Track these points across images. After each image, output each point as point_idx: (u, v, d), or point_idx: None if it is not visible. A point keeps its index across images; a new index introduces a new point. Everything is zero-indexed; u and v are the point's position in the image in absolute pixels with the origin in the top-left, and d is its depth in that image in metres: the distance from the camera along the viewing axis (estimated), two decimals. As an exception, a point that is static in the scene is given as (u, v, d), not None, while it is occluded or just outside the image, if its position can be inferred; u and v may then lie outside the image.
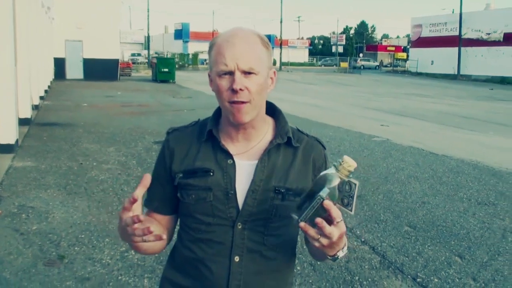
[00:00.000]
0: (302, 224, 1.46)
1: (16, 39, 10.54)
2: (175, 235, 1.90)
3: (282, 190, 1.74)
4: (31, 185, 7.62)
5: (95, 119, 15.21)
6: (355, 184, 1.50)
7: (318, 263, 5.17)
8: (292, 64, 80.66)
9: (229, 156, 1.77)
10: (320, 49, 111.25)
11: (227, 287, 1.76)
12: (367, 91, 33.23)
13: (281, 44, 74.94)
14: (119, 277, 4.69)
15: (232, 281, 1.76)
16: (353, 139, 12.97)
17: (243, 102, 1.66)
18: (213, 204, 1.75)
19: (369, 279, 4.88)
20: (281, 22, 76.21)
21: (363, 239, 5.88)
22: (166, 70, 35.15)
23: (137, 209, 1.54)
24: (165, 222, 1.86)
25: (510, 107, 25.59)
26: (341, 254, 1.59)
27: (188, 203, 1.77)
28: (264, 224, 1.73)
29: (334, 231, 1.46)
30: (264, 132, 1.80)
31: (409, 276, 4.95)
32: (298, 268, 5.05)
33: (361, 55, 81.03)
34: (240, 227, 1.72)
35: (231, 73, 1.66)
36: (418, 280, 4.88)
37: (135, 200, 1.49)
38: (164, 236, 1.56)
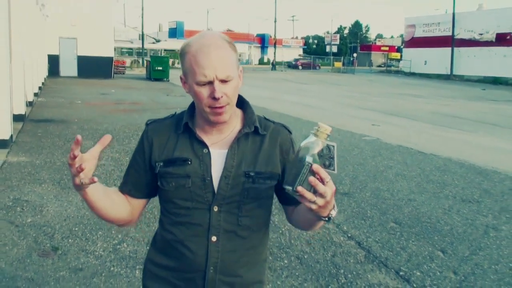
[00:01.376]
0: (299, 188, 1.57)
1: (11, 36, 10.64)
2: (157, 222, 2.07)
3: (252, 174, 1.89)
4: (25, 179, 7.75)
5: (89, 116, 15.32)
6: (333, 146, 1.65)
7: (305, 256, 5.35)
8: (285, 63, 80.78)
9: (204, 146, 1.92)
10: (314, 49, 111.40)
11: (206, 264, 1.92)
12: (360, 91, 33.42)
13: (275, 43, 75.12)
14: (111, 268, 4.84)
15: (210, 258, 1.91)
16: (344, 138, 13.12)
17: (222, 107, 1.82)
18: (191, 190, 1.90)
19: (354, 272, 5.03)
20: (275, 21, 76.48)
21: (349, 235, 6.04)
22: (160, 68, 35.26)
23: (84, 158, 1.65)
24: (134, 204, 2.01)
25: (500, 107, 25.82)
26: (333, 213, 1.70)
27: (168, 190, 1.92)
28: (238, 206, 1.88)
29: (327, 190, 1.59)
30: (234, 124, 1.95)
31: (392, 270, 5.11)
32: (286, 261, 5.22)
33: (355, 55, 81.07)
34: (216, 209, 1.87)
35: (210, 83, 1.79)
36: (401, 273, 5.04)
37: (78, 141, 1.60)
38: (96, 179, 1.65)
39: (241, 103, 2.00)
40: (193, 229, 1.92)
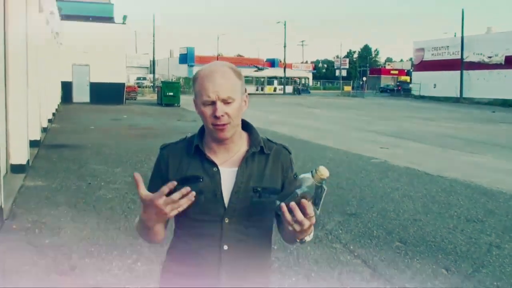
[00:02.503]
0: (282, 205, 1.85)
1: (28, 64, 11.01)
2: (169, 241, 2.28)
3: (259, 189, 2.13)
4: (42, 202, 8.02)
5: (102, 141, 15.65)
6: (325, 190, 1.91)
7: (313, 274, 5.55)
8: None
9: (214, 165, 2.16)
10: (324, 73, 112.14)
11: (219, 271, 2.11)
12: (369, 115, 33.59)
13: (284, 68, 75.60)
14: (127, 286, 5.08)
15: (223, 265, 2.11)
16: (352, 160, 13.35)
17: (224, 124, 2.07)
18: (204, 205, 2.11)
19: (360, 290, 5.24)
20: (284, 46, 77.18)
21: (356, 254, 6.23)
22: (171, 94, 35.69)
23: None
24: None
25: (510, 129, 25.95)
26: (308, 238, 1.98)
27: None
28: (246, 218, 2.10)
29: (305, 221, 1.85)
30: (240, 144, 2.20)
31: (397, 287, 5.30)
32: (293, 279, 5.41)
33: (364, 78, 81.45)
34: (227, 221, 2.09)
35: (213, 103, 2.05)
36: (405, 290, 5.24)
37: (137, 179, 1.95)
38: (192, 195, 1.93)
39: (246, 126, 2.24)
40: (207, 239, 2.12)
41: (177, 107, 35.05)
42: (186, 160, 2.19)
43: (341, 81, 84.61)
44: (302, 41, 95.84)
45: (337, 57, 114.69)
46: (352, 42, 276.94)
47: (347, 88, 76.18)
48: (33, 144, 12.37)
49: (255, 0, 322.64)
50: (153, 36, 65.44)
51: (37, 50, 13.83)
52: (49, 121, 19.68)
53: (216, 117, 2.04)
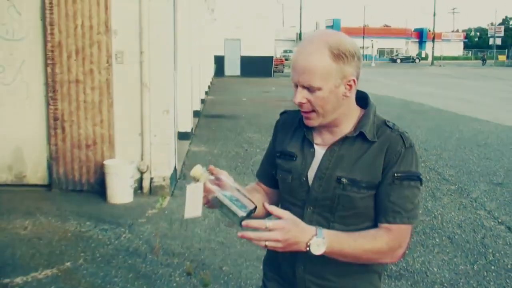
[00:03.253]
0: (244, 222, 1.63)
1: (191, 41, 12.03)
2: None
3: (344, 181, 1.83)
4: (206, 166, 9.00)
5: (254, 112, 16.71)
6: (191, 188, 1.75)
7: (456, 236, 5.93)
8: (445, 58, 78.28)
9: (311, 145, 1.94)
10: (476, 42, 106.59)
11: (295, 262, 1.94)
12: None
13: (433, 38, 73.10)
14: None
15: (299, 257, 1.90)
16: (501, 132, 13.16)
17: (307, 112, 1.85)
18: (291, 186, 1.94)
19: (502, 252, 5.52)
20: (434, 15, 74.34)
21: (500, 220, 6.49)
22: (317, 66, 36.06)
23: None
24: (268, 193, 2.10)
25: None
26: (313, 248, 1.67)
27: (279, 181, 2.02)
28: (330, 211, 1.84)
29: (260, 236, 1.61)
30: (347, 126, 1.90)
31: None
32: (437, 240, 5.83)
33: (521, 47, 76.61)
34: (310, 210, 1.87)
35: (296, 86, 1.83)
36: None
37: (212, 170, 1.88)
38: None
39: (365, 104, 1.95)
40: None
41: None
42: (292, 132, 2.02)
43: (495, 51, 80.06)
44: (454, 9, 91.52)
45: (492, 24, 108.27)
46: (509, 7, 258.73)
47: (502, 58, 72.04)
48: (194, 114, 13.52)
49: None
50: (300, 9, 66.09)
51: (198, 26, 14.88)
52: (206, 93, 21.10)
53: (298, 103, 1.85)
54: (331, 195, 1.85)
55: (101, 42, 6.95)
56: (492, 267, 5.17)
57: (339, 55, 1.77)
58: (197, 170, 1.74)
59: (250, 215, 1.65)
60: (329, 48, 1.77)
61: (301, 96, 1.81)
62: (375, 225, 1.85)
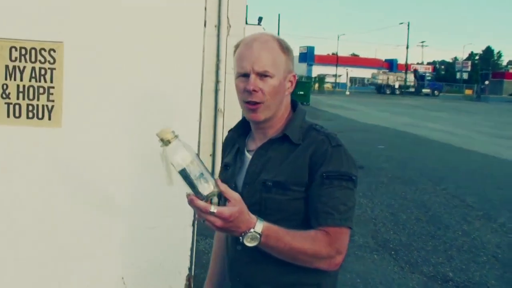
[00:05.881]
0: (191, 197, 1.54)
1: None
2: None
3: (269, 183, 1.81)
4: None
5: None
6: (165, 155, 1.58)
7: (499, 255, 6.86)
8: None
9: (243, 152, 1.97)
10: (443, 75, 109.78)
11: (232, 273, 2.01)
12: (498, 120, 33.08)
13: (406, 70, 75.24)
14: None
15: (234, 268, 1.97)
16: (503, 165, 14.29)
17: (256, 103, 1.81)
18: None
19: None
20: (407, 47, 76.67)
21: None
22: (301, 93, 36.98)
23: None
24: None
25: None
26: (245, 240, 1.62)
27: None
28: (260, 215, 1.68)
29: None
30: (278, 130, 1.90)
31: None
32: (484, 257, 6.74)
33: (486, 82, 79.22)
34: None
35: (246, 75, 1.81)
36: None
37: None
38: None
39: (294, 109, 1.97)
40: (228, 237, 1.98)
41: (307, 105, 36.42)
42: (233, 145, 2.06)
43: (463, 84, 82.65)
44: (422, 42, 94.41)
45: (456, 58, 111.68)
46: (473, 44, 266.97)
47: (468, 92, 74.42)
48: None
49: (372, 2, 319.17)
50: (278, 34, 67.48)
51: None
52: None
53: (248, 92, 1.80)
54: (258, 199, 1.81)
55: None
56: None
57: (287, 48, 1.87)
58: (165, 131, 1.57)
59: (213, 196, 1.56)
60: (277, 40, 1.87)
61: (254, 83, 1.79)
62: (309, 228, 1.77)
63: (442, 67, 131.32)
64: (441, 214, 8.72)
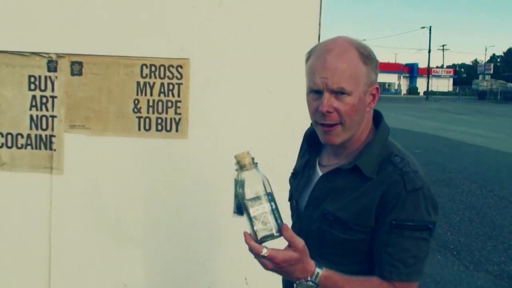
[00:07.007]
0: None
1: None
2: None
3: (330, 218, 1.63)
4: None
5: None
6: (239, 183, 1.49)
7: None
8: (436, 93, 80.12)
9: (314, 166, 1.77)
10: (464, 78, 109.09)
11: None
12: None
13: (428, 74, 75.02)
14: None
15: None
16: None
17: (332, 126, 1.59)
18: (292, 207, 1.85)
19: None
20: (429, 51, 76.41)
21: None
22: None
23: None
24: None
25: None
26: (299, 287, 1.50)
27: None
28: (318, 245, 1.61)
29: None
30: (354, 151, 1.68)
31: None
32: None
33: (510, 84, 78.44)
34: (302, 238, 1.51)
35: (320, 92, 1.58)
36: None
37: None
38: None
39: (377, 124, 1.73)
40: None
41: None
42: (305, 149, 1.88)
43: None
44: (443, 45, 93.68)
45: (477, 61, 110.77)
46: (496, 46, 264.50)
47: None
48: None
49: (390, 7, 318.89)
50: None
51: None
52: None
53: (322, 114, 1.58)
54: (317, 228, 1.66)
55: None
56: None
57: (368, 57, 1.61)
58: (244, 155, 1.48)
59: (269, 239, 1.45)
60: (357, 48, 1.60)
61: (329, 103, 1.56)
62: (369, 267, 1.62)
63: (462, 70, 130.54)
64: (493, 215, 8.84)
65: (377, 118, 1.73)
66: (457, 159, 14.90)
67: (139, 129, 3.16)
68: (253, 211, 1.41)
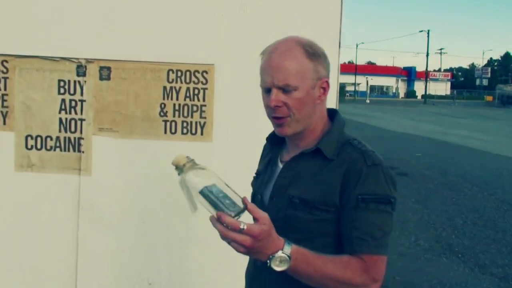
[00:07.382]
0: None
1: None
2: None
3: (296, 200, 1.68)
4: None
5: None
6: (182, 183, 1.54)
7: None
8: (433, 97, 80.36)
9: (276, 162, 1.86)
10: (461, 82, 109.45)
11: None
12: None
13: (426, 77, 75.25)
14: None
15: (254, 283, 1.85)
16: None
17: (281, 118, 1.69)
18: (257, 202, 1.82)
19: None
20: (427, 55, 76.65)
21: None
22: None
23: None
24: None
25: None
26: (273, 263, 1.50)
27: None
28: (284, 234, 1.56)
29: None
30: (311, 141, 1.76)
31: None
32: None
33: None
34: None
35: (269, 90, 1.69)
36: None
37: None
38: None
39: (332, 119, 1.82)
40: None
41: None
42: (269, 150, 1.96)
43: (484, 91, 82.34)
44: (441, 49, 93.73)
45: (474, 64, 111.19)
46: (493, 50, 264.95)
47: (489, 98, 74.14)
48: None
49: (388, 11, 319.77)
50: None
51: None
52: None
53: (272, 108, 1.69)
54: (282, 215, 1.69)
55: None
56: None
57: (315, 54, 1.71)
58: (179, 157, 1.53)
59: (239, 215, 1.47)
60: (303, 46, 1.70)
61: (276, 98, 1.67)
62: (336, 253, 1.64)
63: (459, 73, 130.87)
64: (495, 218, 8.96)
65: (333, 113, 1.84)
66: (457, 162, 15.01)
67: (165, 132, 3.26)
68: (214, 194, 1.46)
